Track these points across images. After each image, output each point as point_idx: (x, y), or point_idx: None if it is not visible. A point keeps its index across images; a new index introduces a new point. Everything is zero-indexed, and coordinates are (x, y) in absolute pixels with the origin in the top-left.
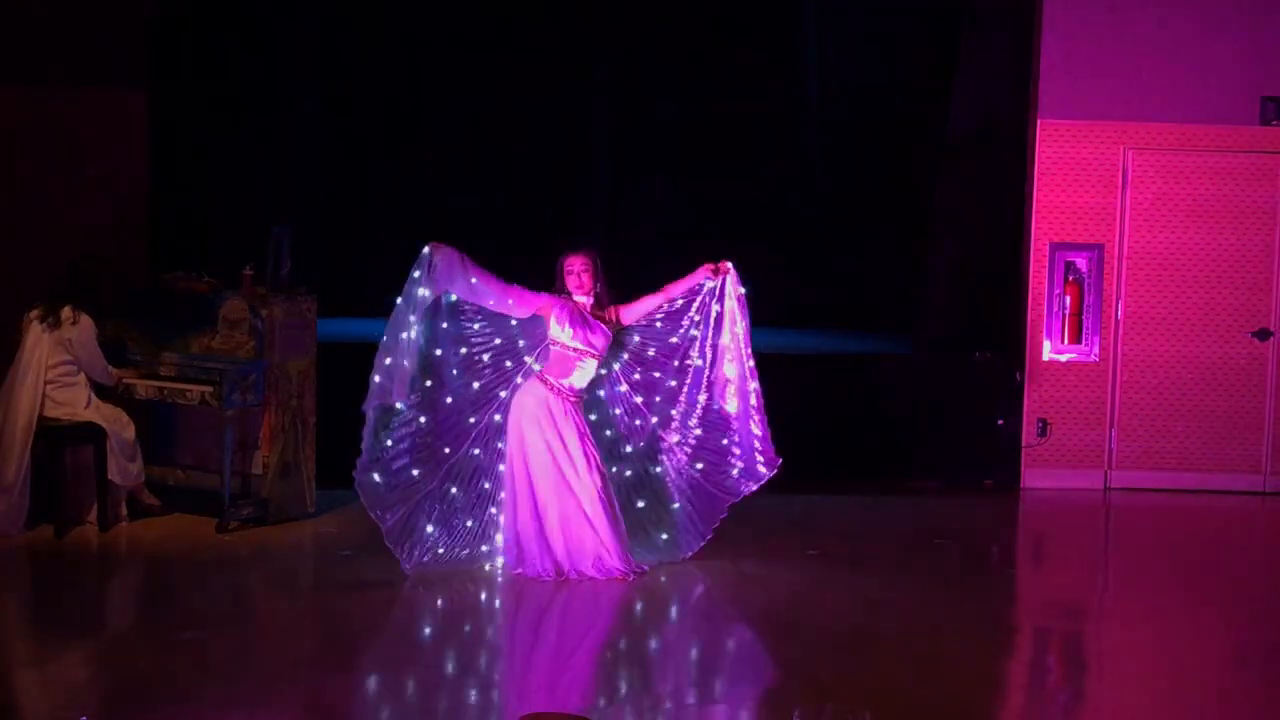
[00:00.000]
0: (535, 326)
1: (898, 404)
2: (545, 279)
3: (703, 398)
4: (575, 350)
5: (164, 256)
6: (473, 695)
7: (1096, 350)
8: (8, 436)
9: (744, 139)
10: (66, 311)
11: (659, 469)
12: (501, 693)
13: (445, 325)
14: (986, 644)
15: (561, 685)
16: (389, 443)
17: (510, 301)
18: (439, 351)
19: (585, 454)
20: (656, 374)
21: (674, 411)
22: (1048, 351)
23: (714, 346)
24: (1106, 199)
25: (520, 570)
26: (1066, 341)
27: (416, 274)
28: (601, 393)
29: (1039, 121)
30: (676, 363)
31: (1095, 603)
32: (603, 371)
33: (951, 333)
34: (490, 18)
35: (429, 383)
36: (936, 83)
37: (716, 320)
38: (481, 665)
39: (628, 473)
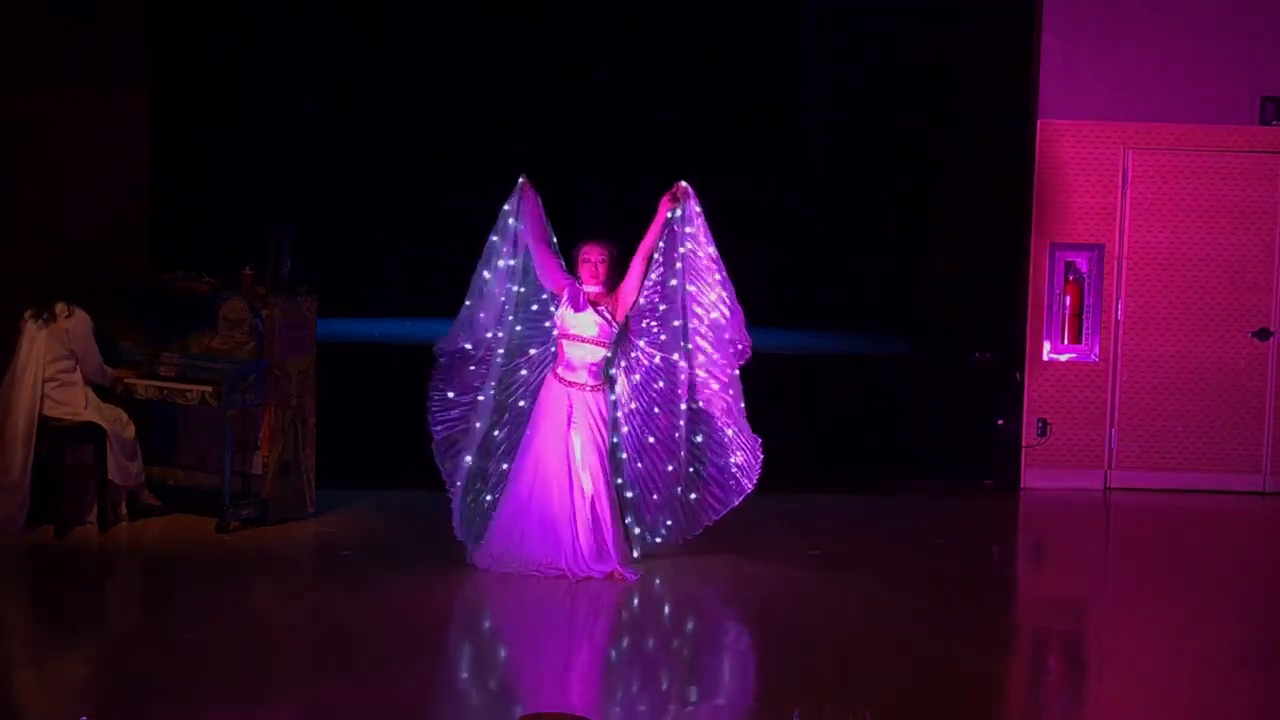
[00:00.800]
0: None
1: (898, 404)
2: None
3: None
4: (570, 336)
5: (164, 256)
6: (472, 695)
7: (1096, 350)
8: (9, 435)
9: (744, 139)
10: (60, 306)
11: (701, 402)
12: (501, 692)
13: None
14: (986, 644)
15: (561, 685)
16: (472, 367)
17: (540, 264)
18: (521, 290)
19: (589, 453)
20: (676, 323)
21: (689, 346)
22: (1048, 351)
23: (698, 270)
24: (1106, 199)
25: (479, 562)
26: (1066, 341)
27: (507, 207)
28: (637, 377)
29: (1039, 121)
30: (679, 301)
31: (1095, 603)
32: (634, 356)
33: (951, 333)
34: (490, 18)
35: (509, 316)
36: (936, 83)
37: (692, 240)
38: (481, 665)
39: (682, 405)
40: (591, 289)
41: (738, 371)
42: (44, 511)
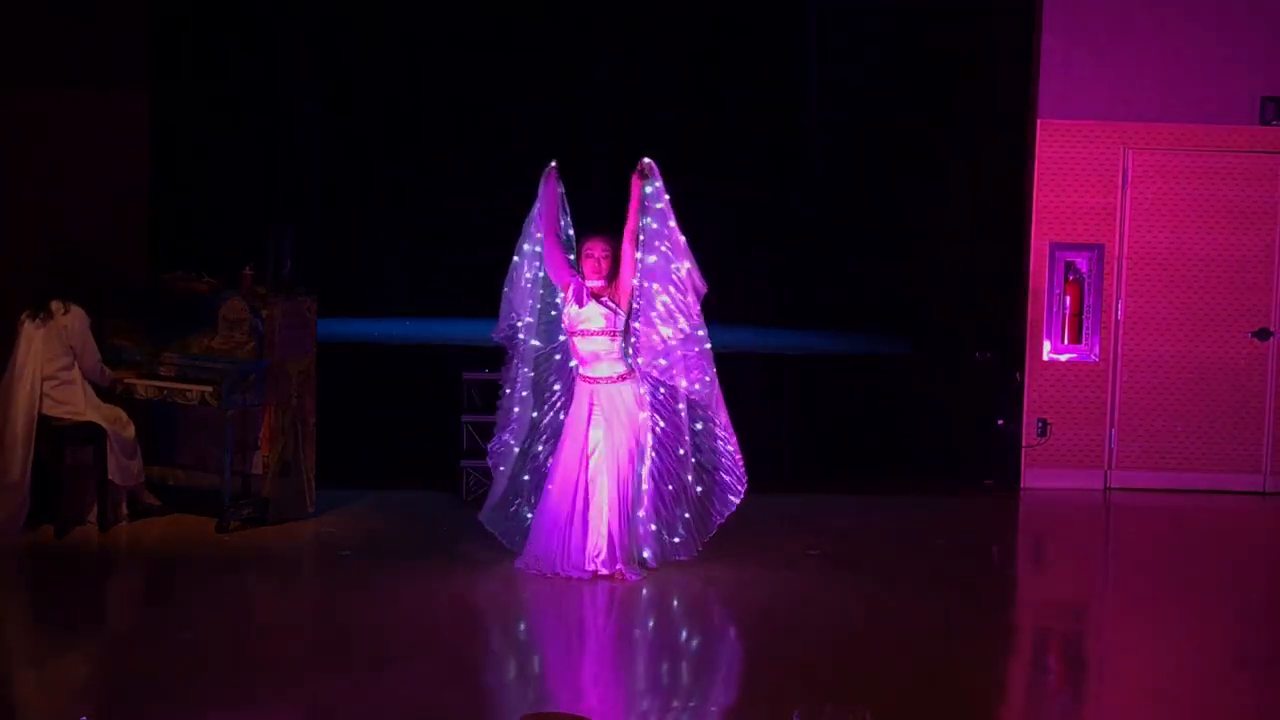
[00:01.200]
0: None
1: (898, 404)
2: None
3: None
4: (578, 331)
5: (164, 256)
6: (472, 695)
7: (1096, 350)
8: (9, 436)
9: (744, 139)
10: (56, 304)
11: (697, 384)
12: (502, 692)
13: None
14: (986, 644)
15: (561, 685)
16: (515, 360)
17: (548, 256)
18: (545, 275)
19: (610, 448)
20: (663, 298)
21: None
22: (1048, 351)
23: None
24: (1106, 199)
25: (527, 567)
26: (1066, 341)
27: (540, 192)
28: (641, 360)
29: (1039, 121)
30: (658, 277)
31: (1095, 603)
32: (634, 341)
33: (951, 333)
34: (490, 18)
35: (537, 304)
36: (936, 83)
37: (662, 217)
38: (480, 665)
39: (682, 383)
40: (594, 283)
41: (709, 347)
42: (44, 511)
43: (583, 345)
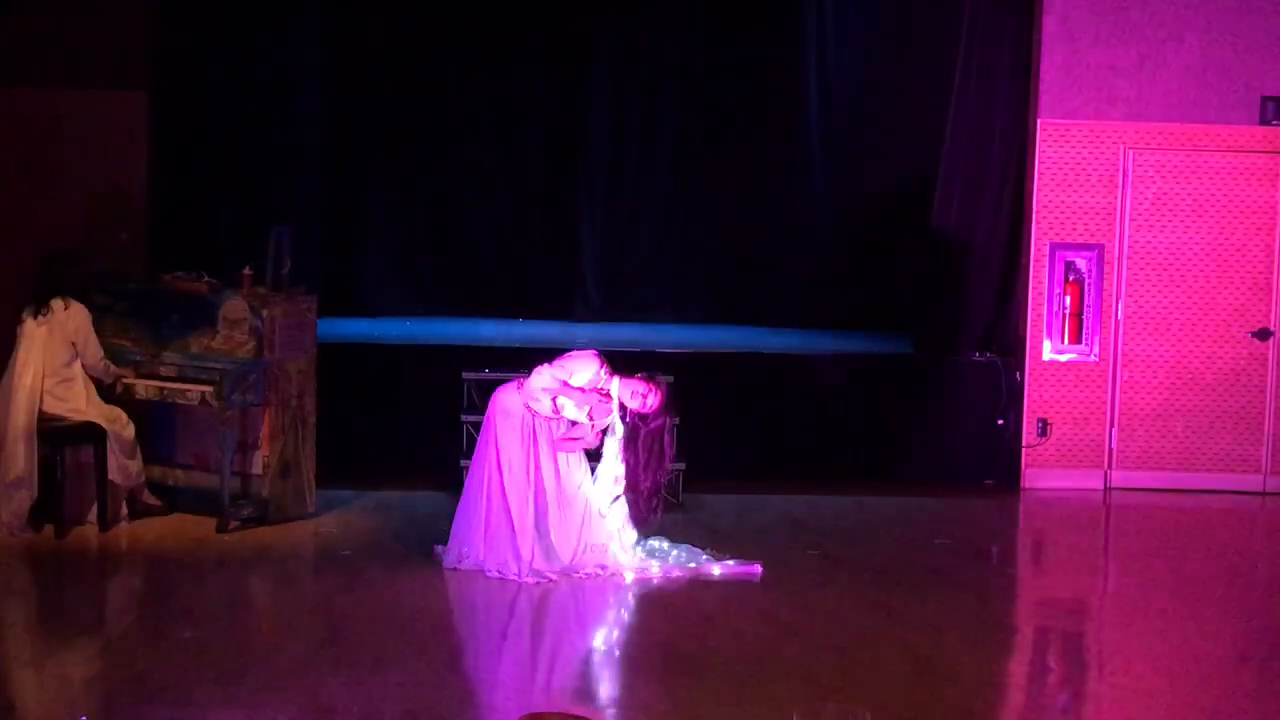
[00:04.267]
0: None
1: (898, 404)
2: (542, 279)
3: None
4: (602, 429)
5: (164, 256)
6: (473, 695)
7: (1096, 350)
8: (11, 434)
9: (744, 140)
10: (56, 302)
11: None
12: (500, 692)
13: None
14: (986, 644)
15: (560, 685)
16: None
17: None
18: None
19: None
20: None
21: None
22: (1048, 351)
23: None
24: (1106, 199)
25: (485, 570)
26: (1066, 341)
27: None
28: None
29: (1039, 121)
30: None
31: (1095, 603)
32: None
33: (951, 333)
34: (490, 18)
35: None
36: (937, 83)
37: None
38: (481, 665)
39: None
40: (627, 407)
41: None
42: (44, 511)
43: (564, 404)
